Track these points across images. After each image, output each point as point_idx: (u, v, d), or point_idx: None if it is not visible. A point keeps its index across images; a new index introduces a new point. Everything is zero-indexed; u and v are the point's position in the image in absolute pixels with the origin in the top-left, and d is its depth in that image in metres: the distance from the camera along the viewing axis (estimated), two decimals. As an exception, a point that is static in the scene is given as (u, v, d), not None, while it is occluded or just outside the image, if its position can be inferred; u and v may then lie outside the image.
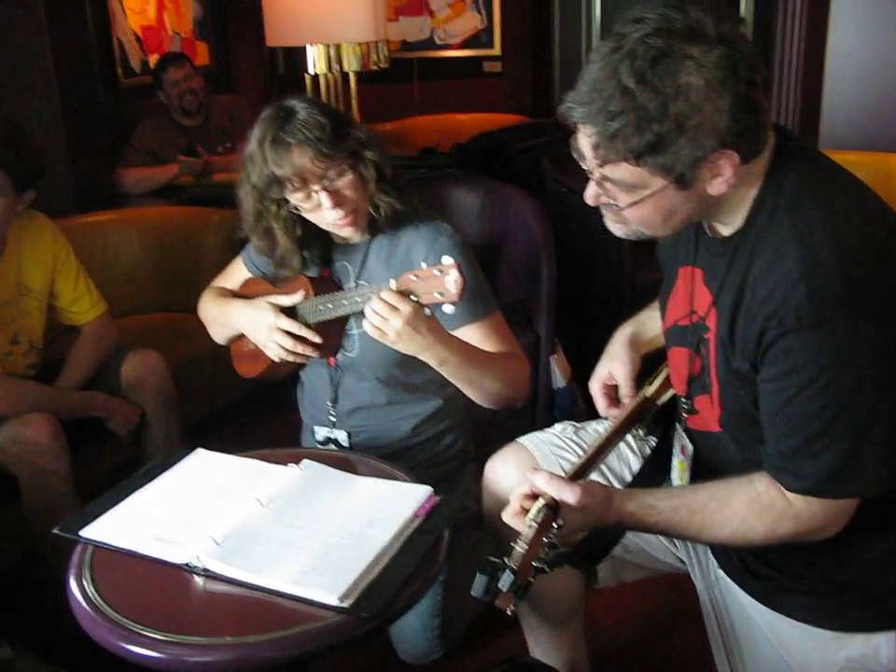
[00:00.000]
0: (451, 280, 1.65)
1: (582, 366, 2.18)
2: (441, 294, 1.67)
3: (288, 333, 2.03)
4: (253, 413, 3.32)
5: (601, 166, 1.35)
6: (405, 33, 6.19)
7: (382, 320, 1.74)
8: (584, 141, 1.35)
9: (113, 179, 4.34)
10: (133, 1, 4.96)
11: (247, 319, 2.12)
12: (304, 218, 2.03)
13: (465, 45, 6.32)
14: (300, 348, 2.03)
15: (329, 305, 1.99)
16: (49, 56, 3.68)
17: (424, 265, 1.72)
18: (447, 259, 1.67)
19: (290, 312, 2.07)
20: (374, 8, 3.76)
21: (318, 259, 2.14)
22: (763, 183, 1.42)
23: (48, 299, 2.66)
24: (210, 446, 2.01)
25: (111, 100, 4.59)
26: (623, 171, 1.34)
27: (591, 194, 1.44)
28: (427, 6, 6.27)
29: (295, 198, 1.97)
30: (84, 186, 3.99)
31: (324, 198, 1.94)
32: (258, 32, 5.75)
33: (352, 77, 3.91)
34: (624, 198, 1.39)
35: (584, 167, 1.41)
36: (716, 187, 1.36)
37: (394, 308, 1.72)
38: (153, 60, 5.07)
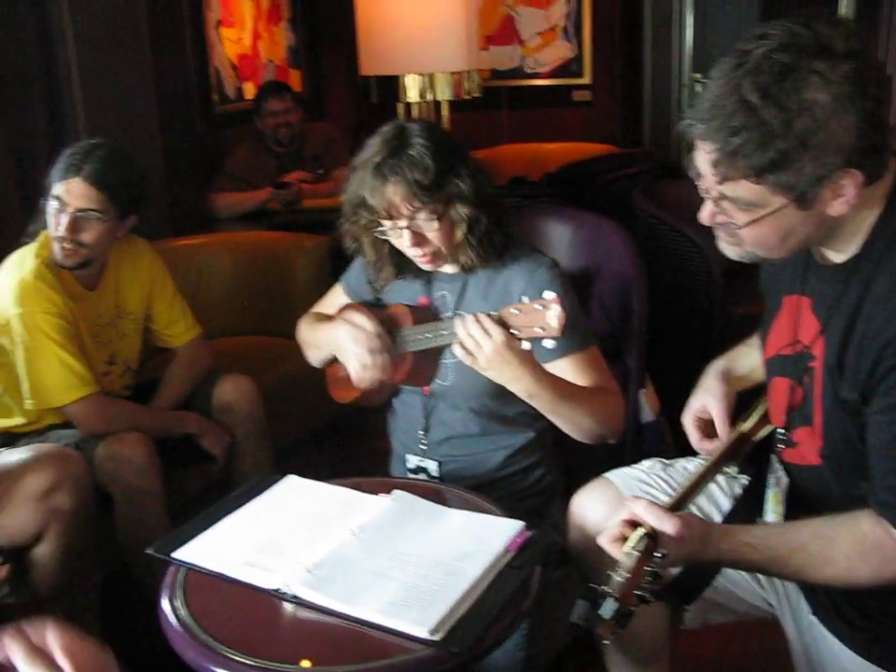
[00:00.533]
0: (553, 315, 1.64)
1: (671, 401, 2.15)
2: (543, 329, 1.66)
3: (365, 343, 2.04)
4: (342, 437, 3.34)
5: (720, 184, 1.33)
6: (495, 61, 6.21)
7: (475, 345, 1.74)
8: (703, 158, 1.34)
9: (206, 203, 4.43)
10: (231, 31, 5.08)
11: (334, 330, 2.13)
12: None
13: (554, 74, 6.31)
14: (378, 358, 2.04)
15: (428, 335, 1.99)
16: (150, 83, 3.79)
17: (525, 299, 1.72)
18: (549, 294, 1.66)
19: (390, 338, 2.09)
20: (467, 38, 3.79)
21: (415, 271, 2.13)
22: (883, 208, 1.38)
23: (144, 321, 2.72)
24: (299, 470, 2.03)
25: (206, 126, 4.70)
26: (743, 189, 1.32)
27: (707, 213, 1.41)
28: (517, 35, 6.29)
29: (383, 223, 1.99)
30: (178, 209, 4.08)
31: (406, 235, 1.96)
32: (350, 60, 5.82)
33: (444, 106, 3.94)
34: (742, 217, 1.36)
35: (701, 186, 1.38)
36: (837, 208, 1.33)
37: (487, 333, 1.72)
38: (247, 87, 5.18)
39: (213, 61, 4.88)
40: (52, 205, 2.41)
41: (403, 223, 1.94)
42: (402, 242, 1.99)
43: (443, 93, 3.75)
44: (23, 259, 2.45)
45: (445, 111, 3.99)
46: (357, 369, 2.06)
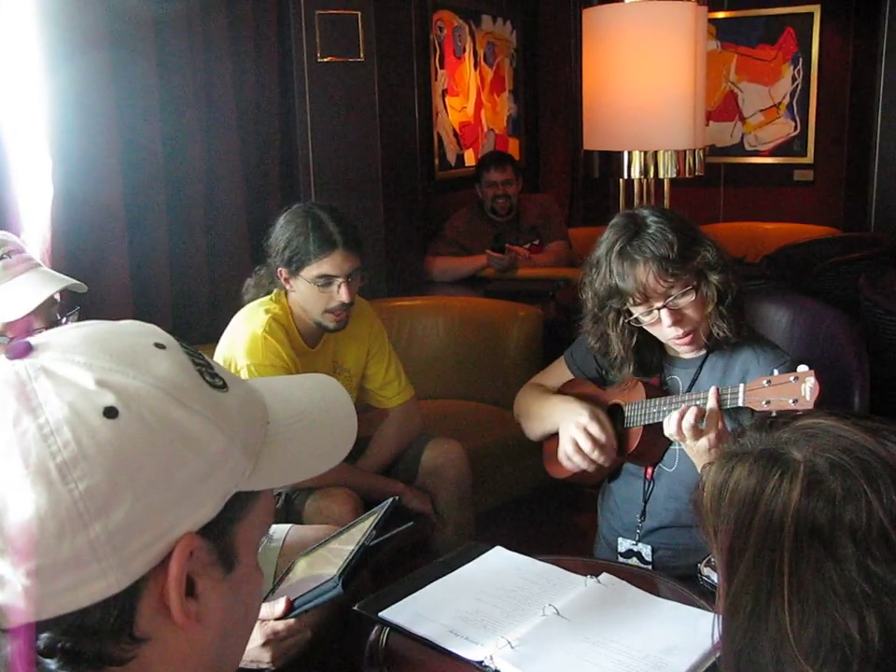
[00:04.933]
0: (807, 387, 1.62)
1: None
2: (795, 401, 1.64)
3: (590, 437, 2.04)
4: (540, 510, 3.32)
5: None
6: (714, 138, 6.12)
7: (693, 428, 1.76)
8: None
9: (422, 265, 4.55)
10: (455, 99, 5.25)
11: (563, 410, 2.14)
12: (641, 328, 2.04)
13: (775, 152, 6.18)
14: (594, 454, 2.04)
15: (664, 408, 1.99)
16: (377, 146, 3.96)
17: (776, 372, 1.71)
18: (803, 367, 1.65)
19: (618, 412, 2.09)
20: (694, 117, 3.76)
21: (652, 367, 2.13)
22: None
23: (359, 380, 2.80)
24: (496, 540, 2.03)
25: (426, 190, 4.85)
26: None
27: None
28: (739, 111, 6.21)
29: (636, 310, 1.99)
30: (396, 270, 4.21)
31: (664, 315, 1.95)
32: (567, 132, 5.92)
33: (666, 184, 3.92)
34: None
35: None
36: None
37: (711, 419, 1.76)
38: (468, 154, 5.33)
39: (436, 127, 5.05)
40: (315, 284, 2.48)
41: (659, 303, 1.94)
42: (660, 325, 1.98)
43: (667, 171, 3.72)
44: (255, 314, 2.57)
45: (667, 189, 3.96)
46: (567, 451, 2.07)
